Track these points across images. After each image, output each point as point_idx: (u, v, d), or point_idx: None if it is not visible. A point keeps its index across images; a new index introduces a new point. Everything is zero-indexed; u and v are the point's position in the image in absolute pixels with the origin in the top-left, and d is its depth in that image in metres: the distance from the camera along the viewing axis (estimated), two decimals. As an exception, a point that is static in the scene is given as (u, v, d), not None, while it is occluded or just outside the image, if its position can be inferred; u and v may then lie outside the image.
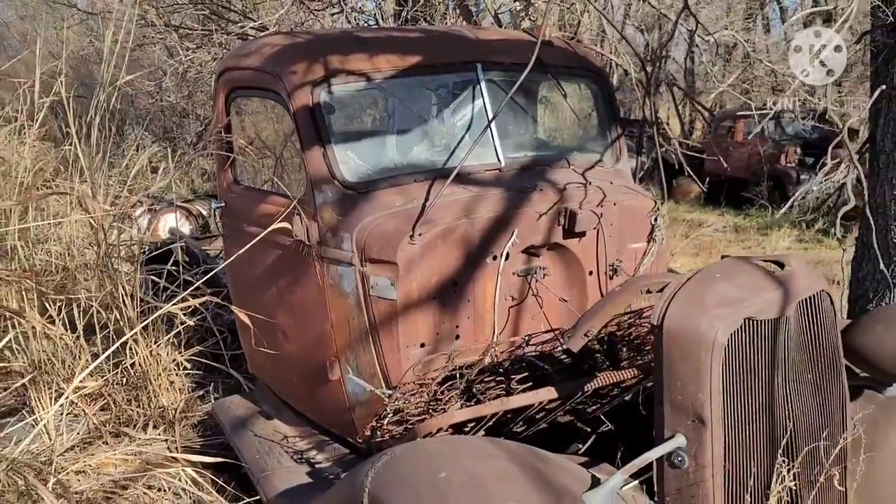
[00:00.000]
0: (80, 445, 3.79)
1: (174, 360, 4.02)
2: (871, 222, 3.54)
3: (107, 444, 3.78)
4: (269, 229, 2.77)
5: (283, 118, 2.88)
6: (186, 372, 4.17)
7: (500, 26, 5.87)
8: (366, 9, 7.93)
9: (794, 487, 2.09)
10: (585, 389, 2.37)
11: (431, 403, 2.40)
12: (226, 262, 3.42)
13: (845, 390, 2.24)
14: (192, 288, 3.23)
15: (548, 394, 2.33)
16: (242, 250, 2.93)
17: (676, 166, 5.01)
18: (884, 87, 3.13)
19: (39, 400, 3.74)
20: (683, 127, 16.41)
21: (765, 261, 2.07)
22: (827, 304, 2.16)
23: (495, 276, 2.77)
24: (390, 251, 2.60)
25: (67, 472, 3.45)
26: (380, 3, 7.96)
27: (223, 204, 3.39)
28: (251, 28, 6.84)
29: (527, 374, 2.46)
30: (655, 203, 3.10)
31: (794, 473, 2.07)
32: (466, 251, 2.72)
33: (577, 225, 2.84)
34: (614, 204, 2.98)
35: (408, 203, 2.76)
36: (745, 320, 1.93)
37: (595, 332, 2.25)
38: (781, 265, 2.05)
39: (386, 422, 2.44)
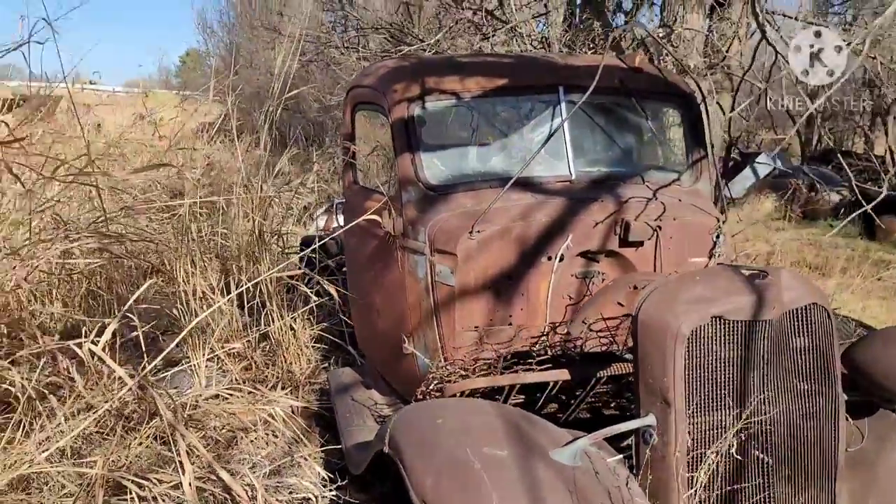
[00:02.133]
0: (222, 395, 4.54)
1: (305, 333, 4.68)
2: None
3: (242, 396, 4.50)
4: (361, 219, 3.30)
5: (387, 129, 3.40)
6: (318, 346, 4.85)
7: (647, 53, 6.13)
8: (533, 32, 8.40)
9: (771, 485, 2.27)
10: (600, 376, 2.66)
11: (466, 375, 2.80)
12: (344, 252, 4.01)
13: (838, 403, 2.37)
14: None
15: (560, 374, 2.65)
16: (336, 233, 3.48)
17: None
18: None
19: (195, 355, 4.51)
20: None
21: (751, 270, 2.28)
22: (820, 317, 2.32)
23: (549, 275, 3.11)
24: (452, 244, 3.04)
25: (208, 414, 4.19)
26: (546, 28, 8.39)
27: (344, 201, 3.99)
28: (422, 48, 7.54)
29: (549, 357, 2.78)
30: (718, 221, 3.29)
31: (768, 470, 2.26)
32: (522, 250, 3.09)
33: (630, 235, 3.11)
34: (674, 219, 3.22)
35: (478, 205, 3.17)
36: (712, 318, 2.16)
37: (591, 321, 2.55)
38: (765, 275, 2.25)
39: (430, 388, 2.87)
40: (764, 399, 2.25)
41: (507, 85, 3.43)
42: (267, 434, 4.03)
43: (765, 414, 2.26)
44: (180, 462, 2.80)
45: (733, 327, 2.20)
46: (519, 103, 3.49)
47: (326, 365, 4.77)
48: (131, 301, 3.30)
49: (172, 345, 4.57)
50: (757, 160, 16.94)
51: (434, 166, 3.33)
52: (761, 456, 2.27)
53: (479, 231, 3.03)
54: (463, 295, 3.05)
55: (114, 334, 4.21)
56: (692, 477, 2.20)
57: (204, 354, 4.50)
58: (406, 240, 3.27)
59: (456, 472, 2.10)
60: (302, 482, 3.19)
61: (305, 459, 3.45)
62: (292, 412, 4.46)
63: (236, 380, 4.64)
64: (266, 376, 4.68)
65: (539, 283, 3.12)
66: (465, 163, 3.43)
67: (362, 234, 3.68)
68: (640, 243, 3.19)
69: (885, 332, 2.63)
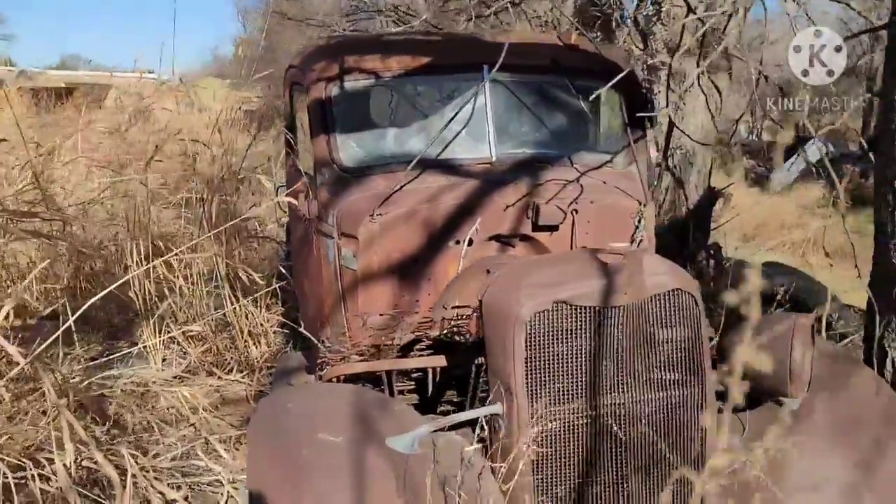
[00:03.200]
0: (179, 377, 4.59)
1: (262, 316, 4.69)
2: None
3: (199, 379, 4.54)
4: (274, 200, 3.26)
5: (312, 109, 3.34)
6: (279, 331, 4.85)
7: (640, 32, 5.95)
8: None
9: (626, 475, 2.16)
10: (477, 362, 2.57)
11: (346, 359, 2.74)
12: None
13: (705, 394, 2.24)
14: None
15: (437, 361, 2.57)
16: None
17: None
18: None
19: (152, 338, 4.55)
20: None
21: (610, 253, 2.17)
22: (685, 303, 2.19)
23: (458, 260, 3.02)
24: (354, 227, 2.98)
25: (157, 396, 4.23)
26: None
27: (285, 184, 3.95)
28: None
29: (433, 343, 2.70)
30: (641, 204, 3.15)
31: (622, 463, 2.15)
32: (428, 234, 3.01)
33: (540, 218, 3.00)
34: (591, 202, 3.09)
35: (390, 188, 3.10)
36: (555, 303, 2.06)
37: (451, 306, 2.46)
38: (621, 258, 2.14)
39: (319, 373, 2.82)
40: (619, 389, 2.14)
41: (430, 64, 3.33)
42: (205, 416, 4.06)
43: (620, 405, 2.15)
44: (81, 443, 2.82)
45: (581, 313, 2.09)
46: (441, 83, 3.38)
47: (287, 349, 4.77)
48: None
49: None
50: (808, 145, 16.39)
51: (350, 147, 3.26)
52: (614, 448, 2.16)
53: (381, 214, 2.96)
54: (366, 279, 2.99)
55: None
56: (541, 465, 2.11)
57: (159, 337, 4.55)
58: (320, 223, 3.23)
59: (285, 459, 2.06)
60: (210, 464, 3.18)
61: (222, 442, 3.45)
62: (246, 397, 4.49)
63: (194, 362, 4.69)
64: (227, 360, 4.71)
65: (447, 267, 3.04)
66: (383, 144, 3.35)
67: (295, 218, 3.65)
68: (555, 227, 3.08)
69: (762, 320, 2.48)
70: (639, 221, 3.15)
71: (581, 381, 2.13)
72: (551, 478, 2.14)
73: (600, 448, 2.17)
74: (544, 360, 2.09)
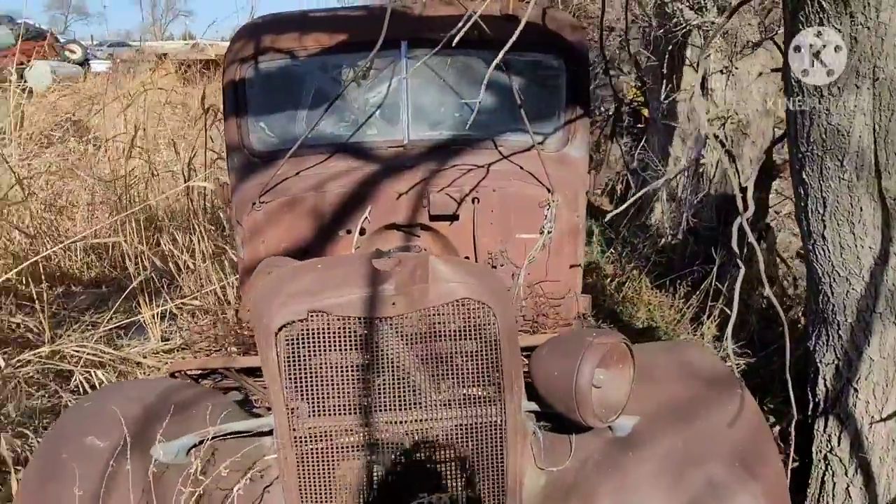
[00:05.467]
0: (176, 349, 4.73)
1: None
2: None
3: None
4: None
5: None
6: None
7: None
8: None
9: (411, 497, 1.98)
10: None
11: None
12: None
13: (507, 412, 1.99)
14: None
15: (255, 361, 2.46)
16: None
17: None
18: None
19: (147, 310, 4.71)
20: None
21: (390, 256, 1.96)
22: (477, 315, 1.95)
23: (350, 250, 2.88)
24: (241, 215, 2.90)
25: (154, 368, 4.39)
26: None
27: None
28: None
29: None
30: (551, 193, 2.86)
31: (407, 483, 1.97)
32: (318, 223, 2.88)
33: (431, 208, 2.81)
34: (494, 190, 2.85)
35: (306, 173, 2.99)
36: (310, 312, 1.89)
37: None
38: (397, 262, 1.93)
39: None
40: (400, 406, 1.95)
41: (349, 41, 3.16)
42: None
43: (402, 423, 1.97)
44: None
45: (344, 323, 1.91)
46: (357, 61, 3.20)
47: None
48: None
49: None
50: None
51: (261, 131, 3.17)
52: (395, 469, 1.98)
53: (264, 202, 2.87)
54: (250, 270, 2.91)
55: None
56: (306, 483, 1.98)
57: (155, 310, 4.70)
58: (229, 210, 3.18)
59: (46, 457, 2.05)
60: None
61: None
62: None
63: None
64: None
65: (337, 258, 2.91)
66: (294, 127, 3.22)
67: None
68: (455, 216, 2.86)
69: (553, 339, 2.17)
70: (548, 211, 2.86)
71: (350, 397, 1.95)
72: (322, 498, 1.99)
73: (377, 469, 1.99)
74: (305, 374, 1.93)
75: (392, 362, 1.93)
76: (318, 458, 1.97)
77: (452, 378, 1.98)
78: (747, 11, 5.50)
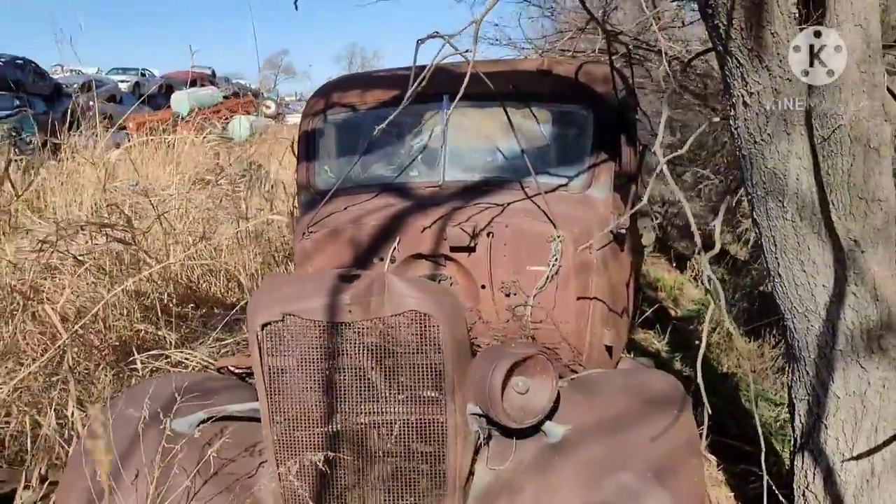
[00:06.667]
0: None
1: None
2: None
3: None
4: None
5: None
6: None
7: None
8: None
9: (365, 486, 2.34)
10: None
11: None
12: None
13: (448, 415, 2.31)
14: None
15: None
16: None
17: None
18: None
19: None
20: None
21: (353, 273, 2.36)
22: (424, 327, 2.30)
23: (382, 276, 3.30)
24: (295, 242, 3.42)
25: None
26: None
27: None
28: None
29: None
30: (556, 229, 3.14)
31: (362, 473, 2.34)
32: (355, 251, 3.33)
33: (448, 240, 3.17)
34: (506, 226, 3.17)
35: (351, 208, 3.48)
36: (284, 315, 2.32)
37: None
38: (356, 278, 2.32)
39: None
40: (358, 403, 2.33)
41: (400, 95, 3.64)
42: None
43: (359, 418, 2.34)
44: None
45: (311, 326, 2.32)
46: (406, 113, 3.65)
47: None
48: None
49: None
50: None
51: (324, 173, 3.70)
52: (353, 460, 2.35)
53: (312, 232, 3.36)
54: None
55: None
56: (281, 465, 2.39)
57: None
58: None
59: (95, 425, 2.60)
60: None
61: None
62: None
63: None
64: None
65: (373, 283, 3.33)
66: (352, 170, 3.72)
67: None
68: (472, 249, 3.21)
69: (485, 349, 2.43)
70: (556, 247, 3.14)
71: (318, 391, 2.35)
72: (296, 479, 2.38)
73: (339, 458, 2.36)
74: (282, 369, 2.36)
75: (349, 362, 2.32)
76: (289, 440, 2.38)
77: (401, 379, 2.33)
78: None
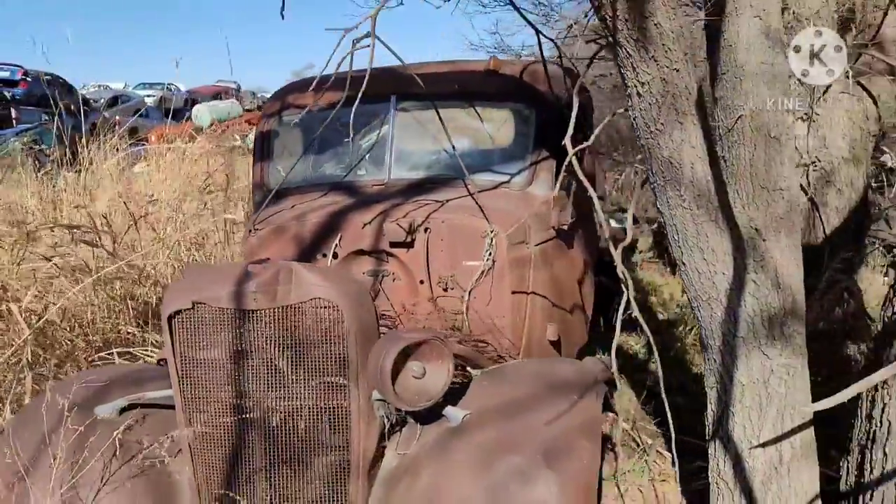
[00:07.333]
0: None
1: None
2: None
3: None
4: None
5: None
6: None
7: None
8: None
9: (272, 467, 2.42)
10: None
11: None
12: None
13: (351, 400, 2.37)
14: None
15: None
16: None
17: None
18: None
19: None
20: None
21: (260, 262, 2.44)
22: (328, 314, 2.37)
23: (326, 271, 3.38)
24: (243, 240, 3.52)
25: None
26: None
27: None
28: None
29: None
30: (490, 225, 3.19)
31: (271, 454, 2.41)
32: (299, 247, 3.42)
33: (385, 236, 3.25)
34: (442, 222, 3.24)
35: (296, 207, 3.58)
36: (193, 303, 2.41)
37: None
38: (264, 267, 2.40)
39: None
40: (266, 387, 2.40)
41: (351, 96, 3.73)
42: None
43: (266, 402, 2.41)
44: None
45: (220, 314, 2.40)
46: (356, 113, 3.74)
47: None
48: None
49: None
50: None
51: (277, 172, 3.80)
52: (262, 441, 2.42)
53: (258, 229, 3.46)
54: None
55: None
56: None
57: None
58: (253, 235, 3.81)
59: (29, 408, 2.71)
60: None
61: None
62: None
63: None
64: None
65: (317, 279, 3.41)
66: (303, 169, 3.81)
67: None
68: (410, 244, 3.27)
69: (385, 335, 2.48)
70: (490, 242, 3.19)
71: (227, 377, 2.43)
72: (208, 463, 2.47)
73: (248, 440, 2.43)
74: (193, 357, 2.44)
75: (256, 349, 2.40)
76: (199, 423, 2.46)
77: (307, 366, 2.40)
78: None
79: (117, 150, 9.72)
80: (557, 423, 2.31)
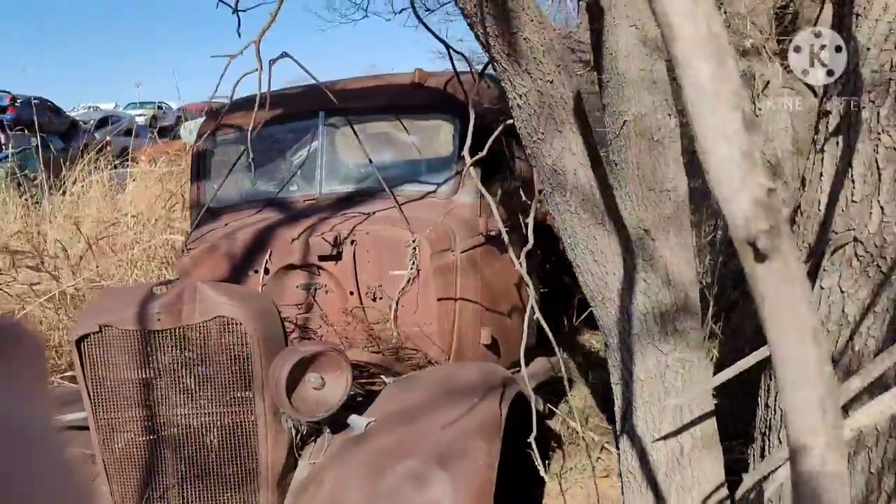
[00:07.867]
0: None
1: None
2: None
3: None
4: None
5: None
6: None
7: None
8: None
9: (182, 482, 2.50)
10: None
11: None
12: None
13: (256, 413, 2.45)
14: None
15: None
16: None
17: None
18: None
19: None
20: None
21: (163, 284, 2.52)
22: (230, 331, 2.45)
23: (258, 287, 3.46)
24: (177, 259, 3.60)
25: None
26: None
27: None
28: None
29: None
30: (413, 234, 3.27)
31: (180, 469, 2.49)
32: (231, 264, 3.50)
33: (311, 249, 3.32)
34: (367, 233, 3.32)
35: (230, 224, 3.66)
36: (100, 326, 2.49)
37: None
38: (164, 289, 2.48)
39: None
40: (174, 405, 2.48)
41: (283, 114, 3.82)
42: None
43: (174, 419, 2.49)
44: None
45: (126, 336, 2.48)
46: (286, 131, 3.83)
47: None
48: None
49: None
50: None
51: (212, 191, 3.88)
52: (171, 457, 2.50)
53: (190, 249, 3.54)
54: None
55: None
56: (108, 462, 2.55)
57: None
58: (186, 257, 3.89)
59: None
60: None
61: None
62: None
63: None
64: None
65: (251, 294, 3.50)
66: (238, 187, 3.90)
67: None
68: (338, 257, 3.35)
69: (285, 350, 2.55)
70: (413, 251, 3.27)
71: (137, 397, 2.51)
72: (123, 481, 2.55)
73: (161, 457, 2.52)
74: (103, 377, 2.52)
75: (163, 368, 2.48)
76: (112, 445, 2.54)
77: (214, 382, 2.48)
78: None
79: (101, 171, 9.83)
80: (454, 426, 2.39)
